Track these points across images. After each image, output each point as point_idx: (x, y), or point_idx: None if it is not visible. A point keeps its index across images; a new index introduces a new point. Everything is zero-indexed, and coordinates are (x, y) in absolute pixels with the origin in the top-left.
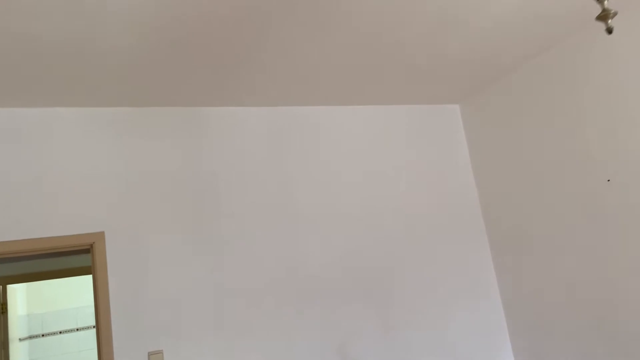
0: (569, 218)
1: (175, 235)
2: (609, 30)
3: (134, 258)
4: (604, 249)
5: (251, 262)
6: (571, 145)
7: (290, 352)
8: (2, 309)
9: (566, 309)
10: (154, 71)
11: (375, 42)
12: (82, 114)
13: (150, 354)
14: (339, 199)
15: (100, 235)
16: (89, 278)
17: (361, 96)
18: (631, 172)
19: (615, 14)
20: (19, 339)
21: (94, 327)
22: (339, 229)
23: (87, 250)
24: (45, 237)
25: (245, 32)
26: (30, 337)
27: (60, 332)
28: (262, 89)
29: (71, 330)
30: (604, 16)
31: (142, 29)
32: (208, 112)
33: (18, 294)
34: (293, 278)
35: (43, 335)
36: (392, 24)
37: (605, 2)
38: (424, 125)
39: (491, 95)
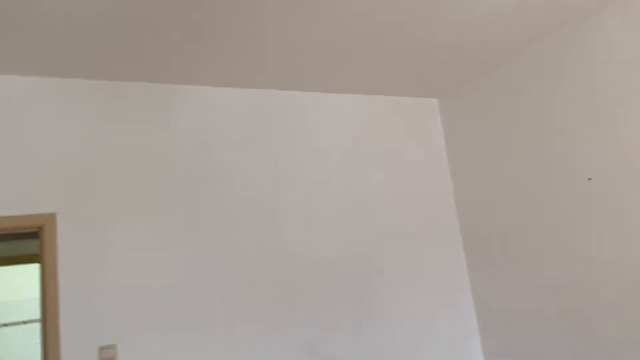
0: (546, 218)
1: (139, 221)
2: None
3: (90, 244)
4: (583, 249)
5: (222, 252)
6: (550, 144)
7: (260, 347)
8: None
9: (540, 312)
10: (119, 42)
11: (357, 26)
12: (38, 83)
13: (101, 349)
14: (314, 189)
15: (51, 217)
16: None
17: (341, 84)
18: (612, 171)
19: None
20: None
21: None
22: (314, 220)
23: (36, 233)
24: None
25: (216, 7)
26: None
27: (6, 325)
28: (239, 70)
29: (17, 323)
30: None
31: None
32: (181, 90)
33: None
34: (268, 270)
35: None
36: (374, 7)
37: None
38: (403, 118)
39: (470, 91)
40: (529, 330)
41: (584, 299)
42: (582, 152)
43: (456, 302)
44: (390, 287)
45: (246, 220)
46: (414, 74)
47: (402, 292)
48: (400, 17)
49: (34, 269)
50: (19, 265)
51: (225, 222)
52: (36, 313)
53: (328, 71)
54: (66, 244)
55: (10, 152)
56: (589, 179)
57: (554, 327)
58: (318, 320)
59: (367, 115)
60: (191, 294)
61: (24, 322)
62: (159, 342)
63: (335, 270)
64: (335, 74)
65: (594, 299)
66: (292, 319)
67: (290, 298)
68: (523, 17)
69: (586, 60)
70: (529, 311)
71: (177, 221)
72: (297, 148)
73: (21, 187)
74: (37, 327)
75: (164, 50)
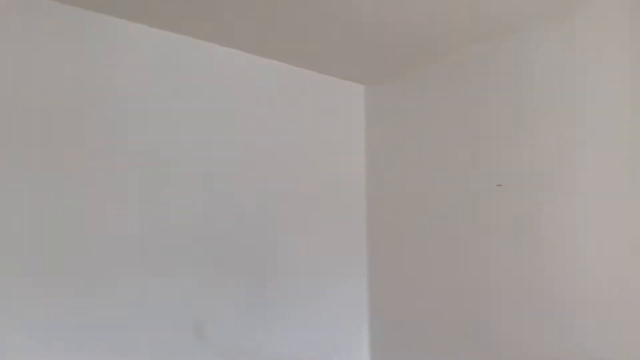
0: (452, 219)
1: None
2: None
3: None
4: (484, 255)
5: (81, 213)
6: (466, 147)
7: (135, 329)
8: None
9: (435, 313)
10: None
11: None
12: None
13: None
14: (215, 151)
15: None
16: None
17: (266, 47)
18: (521, 179)
19: None
20: None
21: None
22: (210, 185)
23: None
24: None
25: None
26: None
27: None
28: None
29: None
30: None
31: None
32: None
33: None
34: (145, 237)
35: None
36: None
37: None
38: (326, 97)
39: (398, 83)
40: (420, 328)
41: (482, 303)
42: (495, 158)
43: (350, 287)
44: (285, 265)
45: (132, 175)
46: (345, 57)
47: (298, 271)
48: None
49: None
50: None
51: (107, 173)
52: None
53: (251, 30)
54: None
55: None
56: (499, 185)
57: (448, 329)
58: (203, 297)
59: (288, 87)
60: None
61: None
62: None
63: (227, 241)
64: (261, 35)
65: (493, 304)
66: (173, 296)
67: (172, 270)
68: (464, 18)
69: (512, 70)
70: (423, 310)
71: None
72: (206, 105)
73: None
74: None
75: None
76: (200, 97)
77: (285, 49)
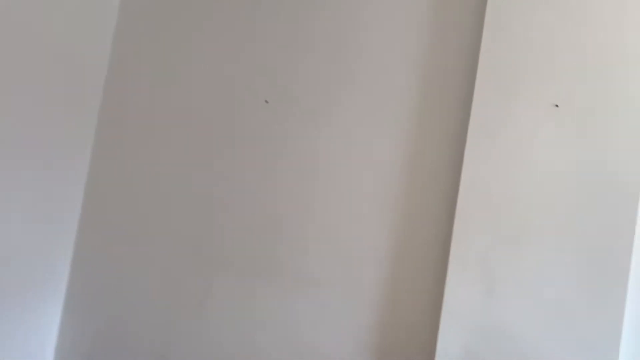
0: (210, 131)
1: None
2: None
3: None
4: (237, 169)
5: None
6: (235, 62)
7: None
8: None
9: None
10: None
11: None
12: None
13: None
14: None
15: None
16: None
17: None
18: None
19: None
20: None
21: None
22: None
23: None
24: None
25: None
26: None
27: None
28: None
29: None
30: None
31: None
32: None
33: None
34: None
35: None
36: None
37: None
38: None
39: None
40: (140, 237)
41: (218, 219)
42: (262, 74)
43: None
44: None
45: None
46: None
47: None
48: None
49: None
50: None
51: None
52: None
53: None
54: None
55: None
56: (267, 101)
57: (173, 243)
58: None
59: None
60: None
61: None
62: None
63: None
64: None
65: (228, 221)
66: None
67: None
68: None
69: None
70: (147, 215)
71: None
72: None
73: None
74: None
75: None
76: None
77: None
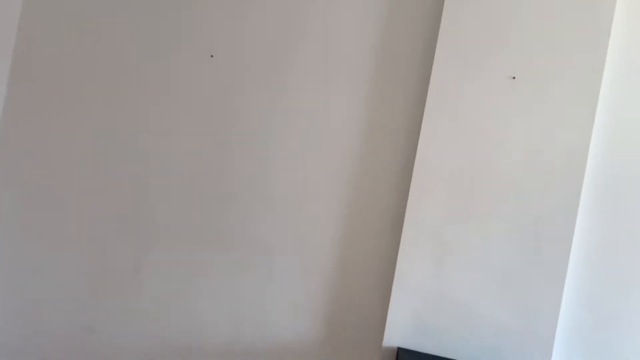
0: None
1: None
2: None
3: None
4: (167, 127)
5: None
6: (177, 18)
7: None
8: None
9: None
10: None
11: None
12: None
13: None
14: None
15: None
16: None
17: None
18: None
19: None
20: None
21: None
22: None
23: None
24: None
25: None
26: None
27: None
28: None
29: None
30: None
31: None
32: None
33: None
34: None
35: None
36: None
37: None
38: None
39: None
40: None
41: (142, 194)
42: (208, 29)
43: None
44: None
45: None
46: None
47: None
48: None
49: None
50: None
51: None
52: None
53: None
54: None
55: None
56: (211, 56)
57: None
58: None
59: None
60: None
61: None
62: None
63: None
64: None
65: (157, 191)
66: None
67: None
68: None
69: None
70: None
71: None
72: None
73: None
74: None
75: None
76: None
77: None
